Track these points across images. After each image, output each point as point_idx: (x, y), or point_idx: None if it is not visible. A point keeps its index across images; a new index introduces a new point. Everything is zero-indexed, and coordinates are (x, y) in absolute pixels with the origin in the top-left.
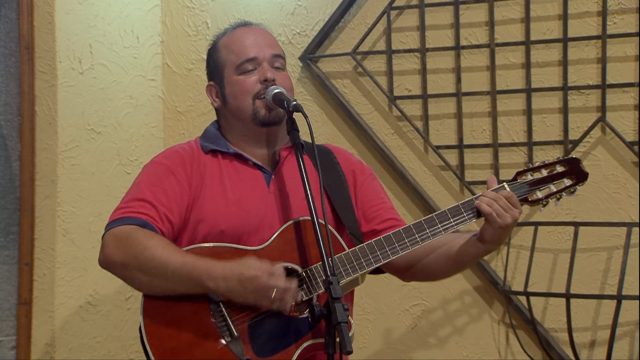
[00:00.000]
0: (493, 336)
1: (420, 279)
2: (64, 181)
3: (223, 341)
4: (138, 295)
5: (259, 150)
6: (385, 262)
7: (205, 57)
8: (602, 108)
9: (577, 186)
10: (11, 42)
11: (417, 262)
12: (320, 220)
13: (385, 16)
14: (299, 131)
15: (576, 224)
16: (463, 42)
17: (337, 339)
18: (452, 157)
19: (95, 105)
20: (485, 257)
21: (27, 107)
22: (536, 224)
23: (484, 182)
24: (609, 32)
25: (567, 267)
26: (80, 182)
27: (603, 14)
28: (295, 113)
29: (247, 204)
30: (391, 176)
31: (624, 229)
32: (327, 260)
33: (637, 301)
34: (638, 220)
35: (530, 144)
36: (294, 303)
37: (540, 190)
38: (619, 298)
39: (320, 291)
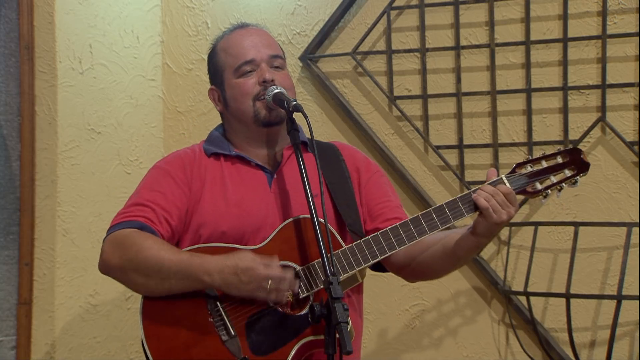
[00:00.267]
0: (493, 336)
1: (419, 276)
2: (64, 181)
3: (220, 340)
4: (138, 296)
5: (261, 151)
6: (382, 257)
7: (205, 57)
8: (602, 108)
9: (578, 177)
10: (11, 42)
11: (414, 259)
12: (320, 219)
13: (385, 16)
14: (299, 131)
15: (576, 224)
16: (463, 42)
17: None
18: (452, 157)
19: (95, 105)
20: (485, 257)
21: (27, 107)
22: (536, 224)
23: (484, 182)
24: (609, 32)
25: (567, 267)
26: (80, 182)
27: (603, 14)
28: (295, 113)
29: (248, 204)
30: (391, 176)
31: (624, 229)
32: (327, 260)
33: (637, 301)
34: (638, 220)
35: (530, 144)
36: (291, 294)
37: (539, 182)
38: (619, 298)
39: (317, 289)
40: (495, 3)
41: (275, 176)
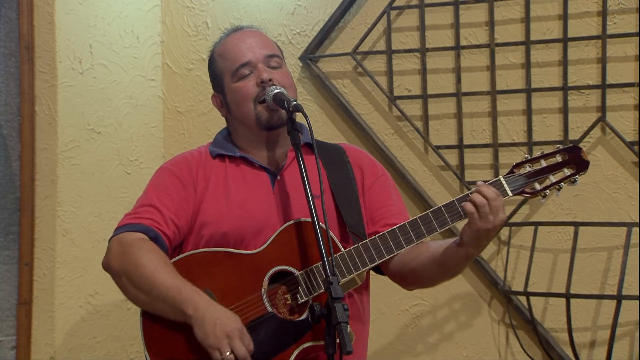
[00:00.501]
0: (493, 336)
1: (411, 283)
2: (64, 181)
3: None
4: None
5: (266, 153)
6: (380, 261)
7: (205, 56)
8: (602, 108)
9: (577, 175)
10: (11, 42)
11: (407, 265)
12: (321, 224)
13: (385, 16)
14: (299, 131)
15: (576, 224)
16: (463, 42)
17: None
18: (452, 157)
19: (95, 105)
20: (485, 257)
21: (27, 107)
22: (536, 224)
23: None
24: (609, 32)
25: (567, 267)
26: (80, 182)
27: (603, 14)
28: (295, 113)
29: (250, 205)
30: (391, 176)
31: (624, 229)
32: (327, 260)
33: (637, 301)
34: (638, 220)
35: (530, 144)
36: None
37: (538, 182)
38: (619, 298)
39: (316, 293)
40: (495, 3)
41: (278, 177)
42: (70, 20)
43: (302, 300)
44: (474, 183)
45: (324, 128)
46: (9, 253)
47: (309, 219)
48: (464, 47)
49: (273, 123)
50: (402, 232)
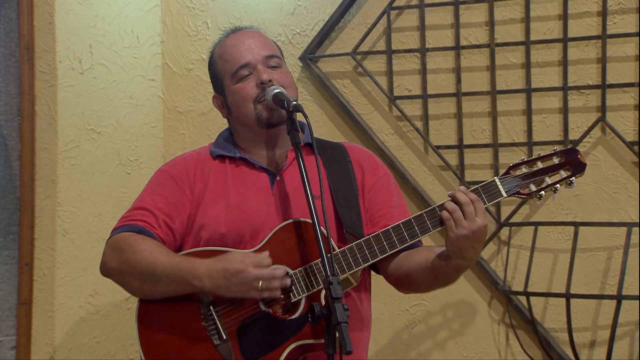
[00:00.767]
0: (493, 336)
1: (404, 286)
2: (64, 181)
3: (212, 344)
4: None
5: (265, 153)
6: (373, 260)
7: (205, 57)
8: (602, 108)
9: (573, 178)
10: (11, 42)
11: (400, 268)
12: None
13: (385, 16)
14: (299, 131)
15: (576, 224)
16: (463, 42)
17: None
18: (452, 157)
19: (95, 105)
20: (485, 257)
21: (27, 107)
22: (536, 224)
23: (484, 182)
24: (609, 32)
25: (567, 267)
26: (80, 182)
27: (603, 14)
28: (295, 113)
29: (248, 206)
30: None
31: (624, 229)
32: (327, 260)
33: (637, 301)
34: (638, 220)
35: (530, 144)
36: (283, 289)
37: (534, 183)
38: (619, 298)
39: (309, 292)
40: (495, 3)
41: (278, 178)
42: (70, 20)
43: (295, 299)
44: (474, 183)
45: (324, 128)
46: (9, 253)
47: (305, 219)
48: (464, 47)
49: (273, 121)
50: (396, 232)
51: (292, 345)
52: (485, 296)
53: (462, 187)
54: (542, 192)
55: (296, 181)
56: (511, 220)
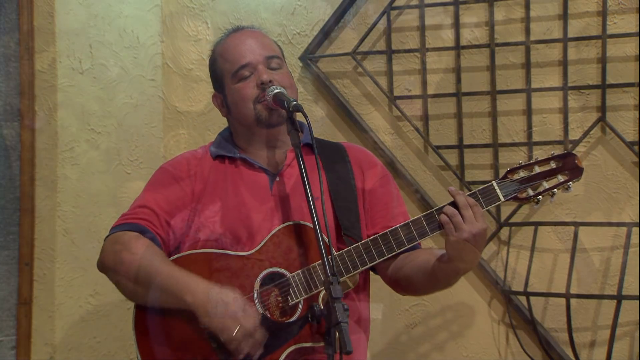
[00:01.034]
0: (493, 336)
1: (402, 289)
2: (64, 181)
3: (210, 347)
4: None
5: (265, 153)
6: (371, 264)
7: (205, 57)
8: (602, 108)
9: (570, 182)
10: (11, 42)
11: (399, 270)
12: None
13: (385, 16)
14: (299, 131)
15: (576, 224)
16: (463, 42)
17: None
18: (452, 157)
19: (95, 105)
20: (485, 257)
21: (27, 107)
22: (536, 224)
23: (484, 182)
24: (609, 32)
25: (567, 267)
26: (80, 182)
27: (603, 14)
28: (295, 113)
29: (246, 207)
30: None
31: (624, 229)
32: (327, 261)
33: (637, 301)
34: (638, 220)
35: (530, 144)
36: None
37: (531, 188)
38: (619, 298)
39: (306, 295)
40: (495, 3)
41: (277, 178)
42: (70, 20)
43: (293, 302)
44: (474, 183)
45: (324, 128)
46: (9, 253)
47: (303, 222)
48: (464, 47)
49: (273, 121)
50: (394, 235)
51: (290, 349)
52: (485, 296)
53: (452, 188)
54: (540, 196)
55: (296, 182)
56: (511, 221)
